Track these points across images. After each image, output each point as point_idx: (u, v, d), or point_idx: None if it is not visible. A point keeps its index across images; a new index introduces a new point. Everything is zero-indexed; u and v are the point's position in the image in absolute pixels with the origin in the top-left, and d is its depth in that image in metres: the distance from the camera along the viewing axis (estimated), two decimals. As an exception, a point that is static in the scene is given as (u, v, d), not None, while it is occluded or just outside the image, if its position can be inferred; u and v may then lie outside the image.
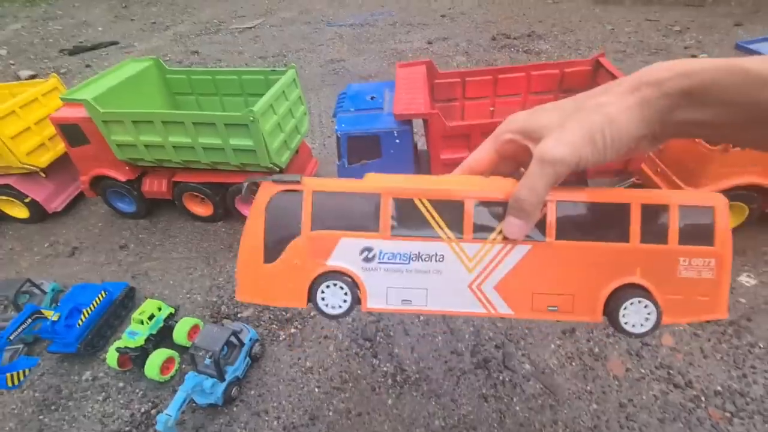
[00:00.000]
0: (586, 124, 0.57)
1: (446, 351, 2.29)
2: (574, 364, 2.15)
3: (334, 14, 8.21)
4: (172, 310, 2.53)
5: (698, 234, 0.71)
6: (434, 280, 0.77)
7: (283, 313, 2.61)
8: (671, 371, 2.07)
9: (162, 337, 2.40)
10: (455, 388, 2.13)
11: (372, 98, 2.67)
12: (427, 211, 0.75)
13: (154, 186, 3.16)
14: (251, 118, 2.56)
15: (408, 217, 0.75)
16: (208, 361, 2.11)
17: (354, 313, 2.54)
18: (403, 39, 6.54)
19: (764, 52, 2.24)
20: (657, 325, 0.70)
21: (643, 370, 2.09)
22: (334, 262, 0.78)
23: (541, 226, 0.70)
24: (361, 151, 2.50)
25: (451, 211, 0.73)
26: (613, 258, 0.71)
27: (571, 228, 0.71)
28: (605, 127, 0.56)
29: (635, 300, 0.70)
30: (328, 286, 0.78)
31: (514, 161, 0.71)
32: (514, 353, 2.22)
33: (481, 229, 0.72)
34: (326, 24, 7.72)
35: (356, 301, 0.78)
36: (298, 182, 0.76)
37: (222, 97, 3.44)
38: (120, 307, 2.59)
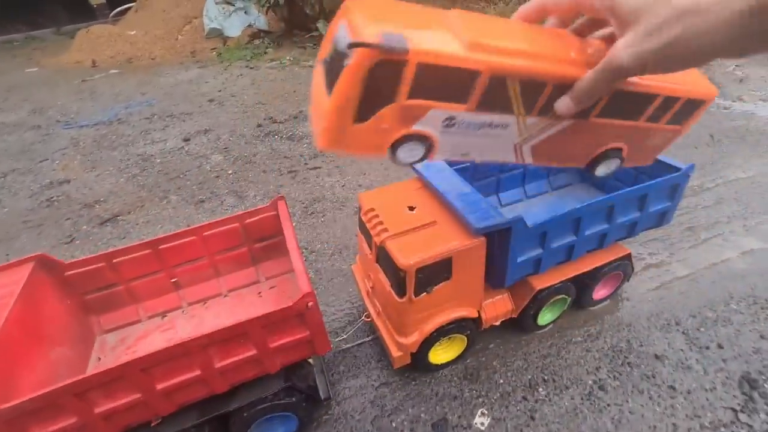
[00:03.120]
0: (670, 34, 0.61)
1: None
2: None
3: (78, 111, 6.79)
4: None
5: (679, 116, 1.10)
6: (492, 140, 1.05)
7: None
8: None
9: None
10: None
11: None
12: (514, 93, 0.93)
13: None
14: None
15: (496, 94, 0.92)
16: None
17: None
18: (157, 137, 5.63)
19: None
20: (615, 170, 1.24)
21: None
22: (418, 127, 0.96)
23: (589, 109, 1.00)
24: None
25: (533, 93, 0.93)
26: (618, 130, 1.10)
27: (607, 108, 1.01)
28: (692, 41, 0.60)
29: (611, 160, 1.18)
30: (407, 144, 0.99)
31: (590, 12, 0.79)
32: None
33: (545, 108, 0.96)
34: (62, 126, 6.26)
35: (427, 154, 1.04)
36: (406, 52, 0.79)
37: None
38: None
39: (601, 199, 2.20)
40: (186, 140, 5.47)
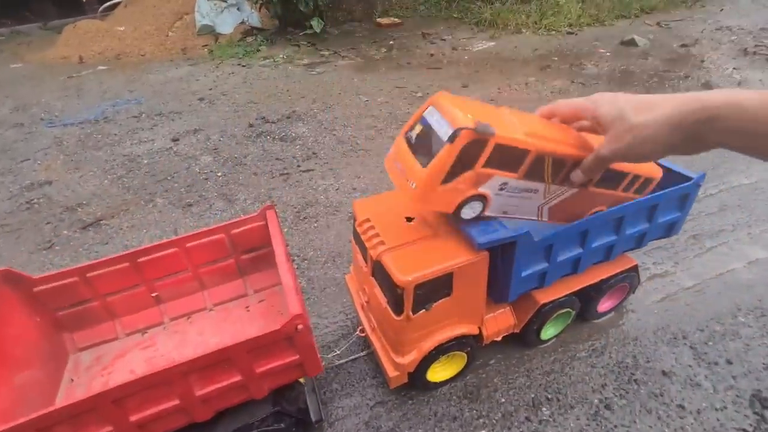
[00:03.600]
0: (625, 141, 1.03)
1: None
2: None
3: (63, 108, 6.56)
4: None
5: (640, 189, 1.98)
6: (526, 202, 1.70)
7: None
8: None
9: None
10: None
11: None
12: (547, 165, 1.53)
13: None
14: None
15: (536, 167, 1.53)
16: None
17: None
18: (145, 137, 5.44)
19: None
20: None
21: None
22: (482, 189, 1.56)
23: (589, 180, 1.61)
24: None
25: (558, 167, 1.55)
26: (605, 198, 1.83)
27: (600, 181, 1.70)
28: (639, 146, 1.01)
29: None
30: (472, 202, 1.62)
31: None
32: None
33: (564, 178, 1.60)
34: (45, 124, 6.04)
35: (482, 211, 1.68)
36: (492, 135, 1.36)
37: None
38: None
39: (610, 210, 2.08)
40: (175, 140, 5.29)
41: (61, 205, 4.13)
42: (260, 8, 9.73)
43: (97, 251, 3.50)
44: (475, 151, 1.43)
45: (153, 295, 2.13)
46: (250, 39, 9.47)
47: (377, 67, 7.59)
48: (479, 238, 1.84)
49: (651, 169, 2.01)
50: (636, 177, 1.99)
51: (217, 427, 1.76)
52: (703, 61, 6.96)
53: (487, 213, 1.74)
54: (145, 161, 4.83)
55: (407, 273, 1.80)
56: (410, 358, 2.05)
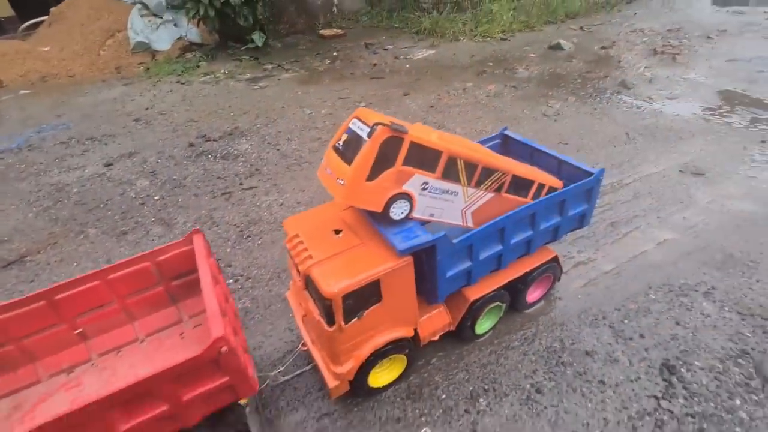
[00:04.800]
0: None
1: None
2: None
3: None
4: None
5: (538, 194, 2.48)
6: (448, 205, 2.14)
7: None
8: None
9: None
10: None
11: None
12: (461, 167, 2.06)
13: None
14: None
15: (450, 168, 2.03)
16: None
17: None
18: (74, 164, 5.14)
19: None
20: None
21: None
22: (406, 187, 1.93)
23: (500, 186, 2.26)
24: None
25: (470, 169, 2.11)
26: (518, 203, 2.31)
27: (511, 188, 2.31)
28: None
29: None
30: (398, 201, 1.95)
31: None
32: None
33: (479, 182, 2.18)
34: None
35: (410, 212, 2.01)
36: (405, 133, 1.81)
37: None
38: None
39: (522, 208, 2.26)
40: (108, 165, 5.04)
41: (-23, 244, 3.82)
42: (198, 23, 9.51)
43: (21, 290, 3.27)
44: (393, 148, 1.85)
45: (77, 332, 2.04)
46: (189, 55, 9.21)
47: (321, 78, 7.64)
48: (400, 245, 1.95)
49: (554, 180, 2.55)
50: (541, 186, 2.46)
51: (149, 461, 1.72)
52: (620, 62, 7.62)
53: (414, 215, 2.08)
54: (75, 189, 4.57)
55: (334, 284, 1.86)
56: (348, 367, 2.10)
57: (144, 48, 9.30)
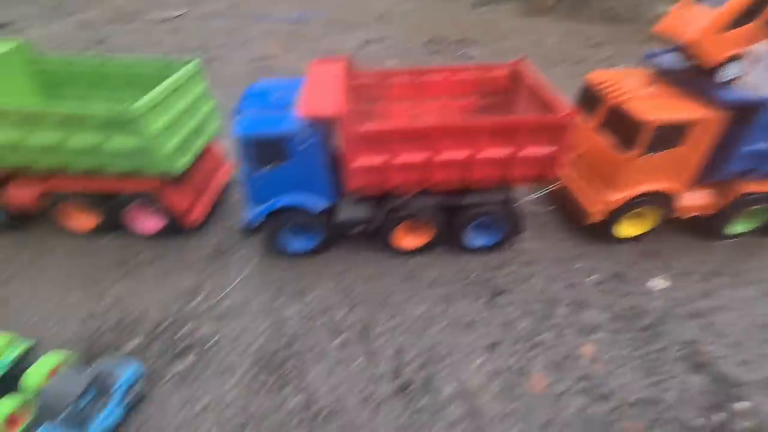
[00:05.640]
0: None
1: (363, 377, 2.08)
2: (496, 382, 2.04)
3: (264, 10, 7.77)
4: (28, 346, 2.04)
5: None
6: None
7: (179, 342, 2.25)
8: (591, 383, 2.04)
9: (10, 381, 1.92)
10: (373, 418, 1.92)
11: (280, 96, 2.39)
12: None
13: (20, 195, 2.62)
14: (131, 116, 2.18)
15: None
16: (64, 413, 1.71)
17: (261, 339, 2.32)
18: (337, 39, 6.32)
19: (666, 63, 2.49)
20: None
21: (564, 385, 2.03)
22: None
23: None
24: (265, 154, 2.21)
25: None
26: None
27: None
28: None
29: None
30: (736, 64, 2.22)
31: None
32: (435, 375, 2.07)
33: None
34: (255, 20, 7.27)
35: (740, 78, 2.28)
36: None
37: (111, 91, 2.95)
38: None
39: None
40: (367, 42, 6.06)
41: (287, 72, 5.15)
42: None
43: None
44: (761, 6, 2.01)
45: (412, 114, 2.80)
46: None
47: (545, 13, 7.54)
48: (727, 96, 2.13)
49: None
50: None
51: (465, 197, 2.39)
52: None
53: (746, 78, 2.19)
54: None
55: (650, 115, 2.17)
56: (620, 196, 2.44)
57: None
